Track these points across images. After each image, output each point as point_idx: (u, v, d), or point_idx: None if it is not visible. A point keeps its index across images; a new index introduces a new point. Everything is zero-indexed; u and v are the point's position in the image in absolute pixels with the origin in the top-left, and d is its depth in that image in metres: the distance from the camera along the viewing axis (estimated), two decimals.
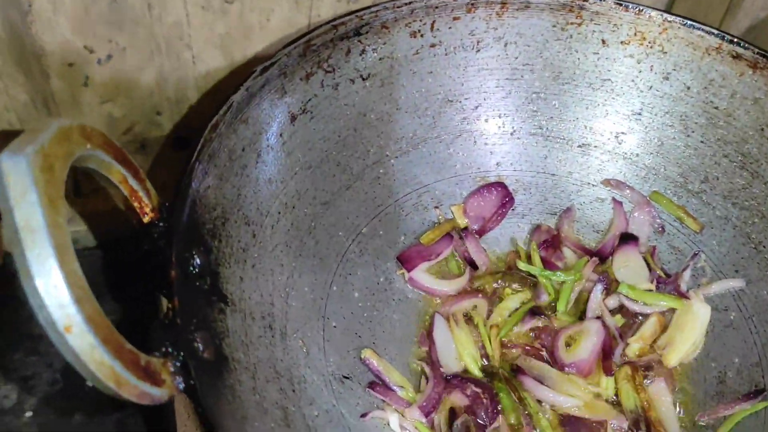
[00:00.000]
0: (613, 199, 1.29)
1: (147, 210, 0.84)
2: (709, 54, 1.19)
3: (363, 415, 1.03)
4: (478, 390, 1.06)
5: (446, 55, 1.24)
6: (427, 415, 1.03)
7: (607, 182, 1.30)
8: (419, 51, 1.21)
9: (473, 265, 1.24)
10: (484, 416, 1.03)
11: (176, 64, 1.15)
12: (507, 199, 1.30)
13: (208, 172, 0.96)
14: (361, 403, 1.06)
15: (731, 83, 1.19)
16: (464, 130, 1.30)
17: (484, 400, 1.05)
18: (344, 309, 1.14)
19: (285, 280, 1.08)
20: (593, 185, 1.31)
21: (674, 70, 1.22)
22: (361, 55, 1.16)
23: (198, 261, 0.87)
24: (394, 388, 1.06)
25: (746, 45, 1.16)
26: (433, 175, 1.29)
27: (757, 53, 1.15)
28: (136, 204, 0.83)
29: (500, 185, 1.29)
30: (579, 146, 1.30)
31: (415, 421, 1.02)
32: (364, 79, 1.20)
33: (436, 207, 1.28)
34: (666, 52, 1.22)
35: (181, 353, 0.73)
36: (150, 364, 0.70)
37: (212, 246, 0.95)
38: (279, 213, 1.10)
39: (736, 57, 1.17)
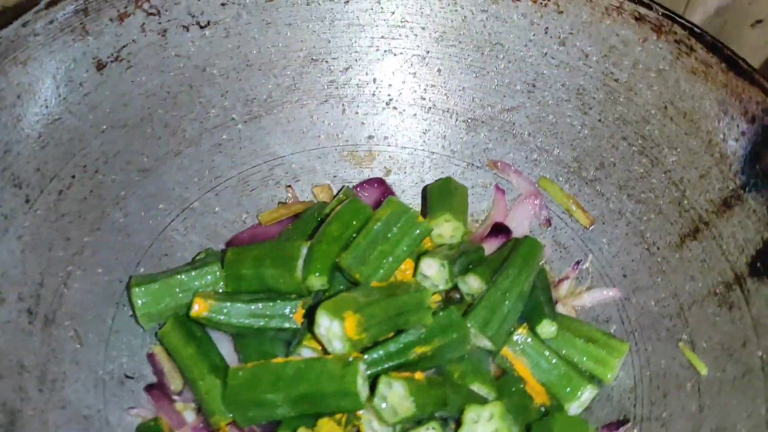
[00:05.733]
0: (497, 185, 1.10)
1: None
2: (609, 14, 1.00)
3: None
4: None
5: (308, 5, 1.06)
6: None
7: (492, 164, 1.11)
8: None
9: None
10: None
11: None
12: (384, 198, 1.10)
13: None
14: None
15: (633, 51, 1.00)
16: (331, 95, 1.11)
17: None
18: None
19: (69, 257, 0.91)
20: (477, 167, 1.12)
21: (571, 33, 1.03)
22: None
23: None
24: (175, 397, 0.89)
25: (650, 3, 0.97)
26: (290, 146, 1.11)
27: (663, 14, 0.96)
28: None
29: (378, 182, 1.11)
30: (464, 121, 1.12)
31: None
32: (202, 27, 1.02)
33: (289, 186, 1.10)
34: (562, 12, 1.03)
35: None
36: None
37: None
38: (73, 177, 0.93)
39: (639, 18, 0.98)
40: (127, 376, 0.90)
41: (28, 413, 0.78)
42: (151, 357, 0.91)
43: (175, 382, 0.89)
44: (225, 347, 0.92)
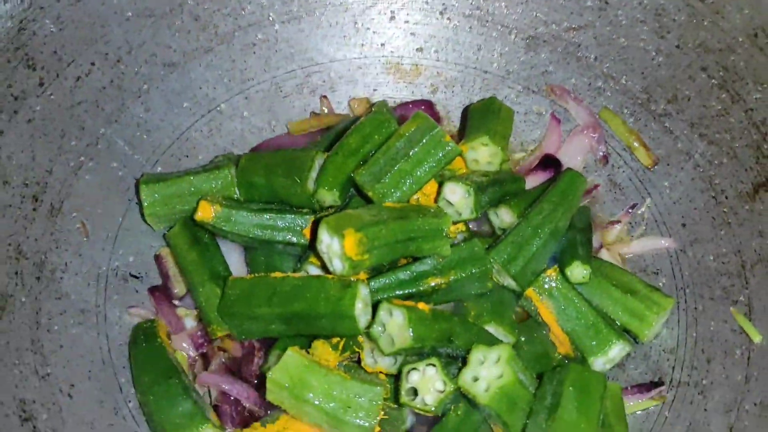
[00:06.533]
0: (552, 113, 0.99)
1: None
2: None
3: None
4: None
5: None
6: (198, 347, 0.82)
7: (550, 89, 1.00)
8: None
9: None
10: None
11: None
12: None
13: None
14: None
15: None
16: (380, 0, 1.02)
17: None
18: None
19: (82, 147, 0.88)
20: (533, 91, 1.01)
21: None
22: None
23: None
24: (177, 302, 0.85)
25: None
26: (329, 53, 1.03)
27: None
28: None
29: (426, 104, 1.01)
30: (524, 39, 1.00)
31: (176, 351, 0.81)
32: None
33: (324, 96, 1.02)
34: None
35: None
36: None
37: None
38: (92, 65, 0.89)
39: None
40: (132, 275, 0.87)
41: (21, 299, 0.76)
42: (158, 258, 0.88)
43: (179, 286, 0.86)
44: (235, 258, 0.88)
